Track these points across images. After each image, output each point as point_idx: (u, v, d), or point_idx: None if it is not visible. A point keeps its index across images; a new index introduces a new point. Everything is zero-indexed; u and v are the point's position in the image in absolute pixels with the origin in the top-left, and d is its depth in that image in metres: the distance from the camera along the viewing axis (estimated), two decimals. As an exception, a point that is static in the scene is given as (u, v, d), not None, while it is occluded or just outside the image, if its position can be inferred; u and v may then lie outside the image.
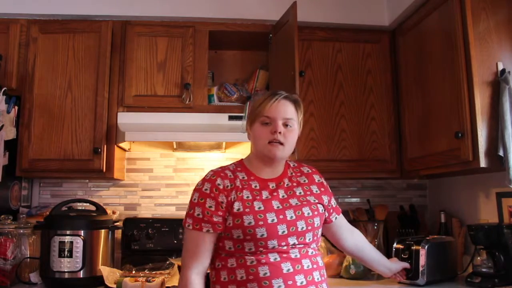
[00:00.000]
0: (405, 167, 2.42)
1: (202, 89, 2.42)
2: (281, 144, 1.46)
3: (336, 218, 1.62)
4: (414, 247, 2.01)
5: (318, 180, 1.60)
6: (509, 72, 1.85)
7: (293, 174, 1.56)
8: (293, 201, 1.46)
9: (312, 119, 2.45)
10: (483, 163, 1.82)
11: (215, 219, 1.40)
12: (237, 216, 1.39)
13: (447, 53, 2.01)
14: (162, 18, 2.45)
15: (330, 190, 1.62)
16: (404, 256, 2.03)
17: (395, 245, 2.12)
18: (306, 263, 1.40)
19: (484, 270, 1.91)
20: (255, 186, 1.47)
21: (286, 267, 1.37)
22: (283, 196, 1.47)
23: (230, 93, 2.49)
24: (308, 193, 1.52)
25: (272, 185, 1.49)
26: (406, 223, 2.56)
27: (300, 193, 1.50)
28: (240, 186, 1.45)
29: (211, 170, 1.51)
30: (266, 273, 1.35)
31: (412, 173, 2.39)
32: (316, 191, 1.55)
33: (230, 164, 1.56)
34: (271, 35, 2.46)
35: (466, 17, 1.89)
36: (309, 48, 2.49)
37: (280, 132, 1.45)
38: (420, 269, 1.96)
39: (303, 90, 2.43)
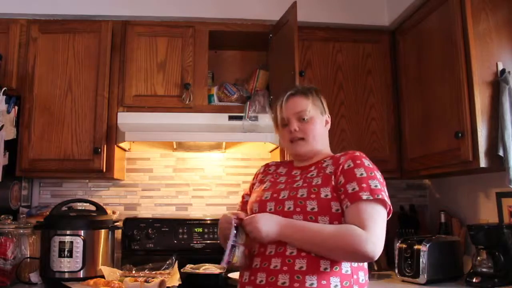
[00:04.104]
0: (405, 167, 2.42)
1: (202, 89, 2.42)
2: (302, 139, 1.47)
3: (346, 207, 1.32)
4: (416, 246, 2.02)
5: (341, 161, 1.40)
6: (509, 72, 1.85)
7: (326, 162, 1.46)
8: (297, 183, 1.42)
9: (312, 119, 2.44)
10: (483, 163, 1.82)
11: (245, 199, 1.61)
12: (253, 193, 1.55)
13: (447, 53, 2.01)
14: (162, 18, 2.45)
15: (363, 174, 1.35)
16: (406, 255, 2.04)
17: (398, 244, 2.13)
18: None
19: (484, 270, 1.91)
20: (280, 172, 1.56)
21: (256, 262, 1.36)
22: (295, 180, 1.46)
23: (230, 93, 2.49)
24: (320, 174, 1.40)
25: (296, 172, 1.52)
26: (406, 223, 2.56)
27: (311, 175, 1.43)
28: (270, 172, 1.60)
29: None
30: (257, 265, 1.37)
31: (412, 173, 2.39)
32: (330, 172, 1.39)
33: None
34: (271, 35, 2.46)
35: (466, 17, 1.89)
36: (309, 48, 2.49)
37: (295, 129, 1.47)
38: (421, 267, 1.96)
39: (303, 90, 2.43)
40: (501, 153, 1.79)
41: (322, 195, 1.34)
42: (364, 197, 1.29)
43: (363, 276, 1.37)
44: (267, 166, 1.66)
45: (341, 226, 1.30)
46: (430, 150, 2.16)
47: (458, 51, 1.92)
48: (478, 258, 1.94)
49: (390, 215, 1.36)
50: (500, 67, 1.88)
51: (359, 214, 1.29)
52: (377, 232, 1.28)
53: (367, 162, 1.41)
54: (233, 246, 1.34)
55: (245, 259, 1.38)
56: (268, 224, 1.31)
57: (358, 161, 1.39)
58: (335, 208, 1.33)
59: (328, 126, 1.57)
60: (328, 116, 1.57)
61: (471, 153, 1.85)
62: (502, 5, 1.93)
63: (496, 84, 1.86)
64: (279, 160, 1.75)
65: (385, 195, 1.33)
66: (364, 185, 1.32)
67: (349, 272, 1.32)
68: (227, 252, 1.34)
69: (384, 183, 1.38)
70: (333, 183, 1.36)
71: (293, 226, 1.31)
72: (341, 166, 1.39)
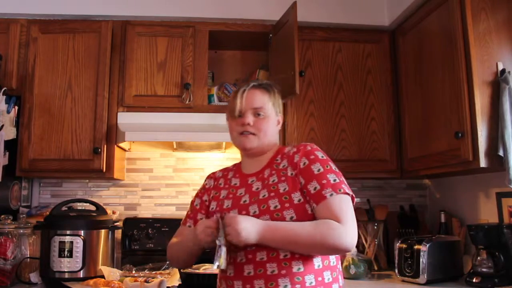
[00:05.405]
0: (405, 167, 2.41)
1: (202, 89, 2.42)
2: (253, 134, 1.44)
3: (313, 208, 1.32)
4: (416, 246, 2.03)
5: (296, 160, 1.39)
6: (509, 72, 1.85)
7: (279, 160, 1.44)
8: (262, 193, 1.37)
9: (312, 119, 2.45)
10: (483, 163, 1.82)
11: (198, 217, 1.50)
12: (211, 214, 1.45)
13: (447, 53, 2.01)
14: (162, 18, 2.45)
15: (321, 169, 1.35)
16: (406, 255, 2.04)
17: (398, 244, 2.13)
18: (271, 267, 1.29)
19: (484, 270, 1.91)
20: (235, 184, 1.48)
21: (248, 269, 1.30)
22: (257, 189, 1.40)
23: (230, 93, 2.49)
24: (283, 179, 1.37)
25: (251, 179, 1.45)
26: (406, 223, 2.56)
27: (273, 180, 1.39)
28: (222, 185, 1.51)
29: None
30: (231, 273, 1.35)
31: (412, 173, 2.39)
32: (291, 174, 1.38)
33: (232, 164, 1.60)
34: (271, 35, 2.46)
35: (466, 17, 1.89)
36: (309, 48, 2.49)
37: (249, 123, 1.43)
38: (421, 267, 1.97)
39: (303, 90, 2.43)
40: (501, 153, 1.79)
41: (296, 201, 1.33)
42: (328, 195, 1.30)
43: (340, 264, 1.42)
44: (215, 178, 1.56)
45: (317, 222, 1.29)
46: (430, 150, 2.16)
47: (458, 51, 1.92)
48: (478, 258, 1.94)
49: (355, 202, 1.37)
50: (500, 67, 1.88)
51: (329, 209, 1.29)
52: (351, 223, 1.30)
53: (320, 154, 1.41)
54: (219, 246, 1.27)
55: (227, 262, 1.30)
56: (249, 228, 1.25)
57: (312, 156, 1.38)
58: (310, 209, 1.33)
59: (279, 126, 1.53)
60: (281, 117, 1.54)
61: (471, 153, 1.85)
62: (502, 5, 1.93)
63: (496, 84, 1.86)
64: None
65: (345, 187, 1.34)
66: (324, 181, 1.32)
67: (335, 264, 1.37)
68: (221, 253, 1.25)
69: (339, 172, 1.39)
70: (299, 185, 1.35)
71: (272, 229, 1.28)
72: (298, 166, 1.38)
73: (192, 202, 1.58)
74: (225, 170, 1.58)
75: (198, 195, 1.57)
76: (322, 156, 1.40)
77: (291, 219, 1.30)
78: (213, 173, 1.61)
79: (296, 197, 1.33)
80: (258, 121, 1.44)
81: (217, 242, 1.27)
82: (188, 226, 1.52)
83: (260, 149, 1.46)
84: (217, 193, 1.50)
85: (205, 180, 1.59)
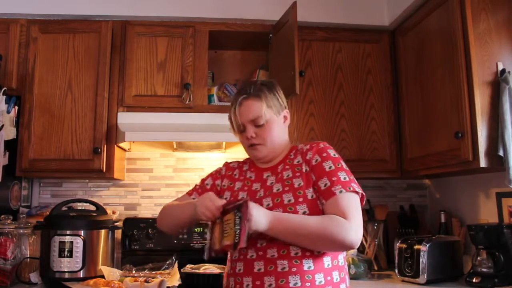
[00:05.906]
0: (405, 167, 2.42)
1: (202, 89, 2.42)
2: (260, 144, 1.45)
3: (323, 204, 1.35)
4: (416, 246, 2.03)
5: (309, 157, 1.42)
6: (509, 72, 1.85)
7: (293, 156, 1.47)
8: (276, 187, 1.40)
9: (312, 119, 2.45)
10: (483, 163, 1.82)
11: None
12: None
13: (447, 53, 2.01)
14: (162, 18, 2.45)
15: (332, 167, 1.38)
16: (406, 255, 2.04)
17: (398, 244, 2.13)
18: (281, 264, 1.30)
19: (484, 270, 1.91)
20: (250, 177, 1.50)
21: (258, 266, 1.32)
22: (271, 183, 1.43)
23: (230, 93, 2.49)
24: (298, 174, 1.40)
25: (267, 174, 1.47)
26: (406, 223, 2.56)
27: (288, 175, 1.41)
28: (237, 177, 1.52)
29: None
30: (240, 269, 1.35)
31: (412, 173, 2.39)
32: (305, 170, 1.40)
33: (245, 158, 1.62)
34: (271, 35, 2.46)
35: (466, 17, 1.89)
36: (309, 48, 2.49)
37: (252, 136, 1.44)
38: (421, 267, 1.97)
39: (303, 90, 2.43)
40: (501, 153, 1.79)
41: (309, 197, 1.35)
42: (337, 192, 1.33)
43: (346, 265, 1.44)
44: (228, 168, 1.59)
45: (324, 216, 1.31)
46: (430, 150, 2.16)
47: (458, 51, 1.92)
48: (478, 258, 1.94)
49: (364, 201, 1.39)
50: (500, 67, 1.88)
51: (337, 206, 1.31)
52: (357, 220, 1.31)
53: (332, 152, 1.43)
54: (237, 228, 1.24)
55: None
56: (260, 215, 1.26)
57: (324, 154, 1.41)
58: (321, 206, 1.36)
59: (287, 122, 1.52)
60: (287, 111, 1.52)
61: (471, 153, 1.85)
62: (502, 5, 1.93)
63: (496, 84, 1.86)
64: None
65: (355, 185, 1.36)
66: (334, 178, 1.35)
67: (343, 264, 1.39)
68: (240, 233, 1.22)
69: (350, 170, 1.41)
70: (312, 181, 1.38)
71: (281, 220, 1.29)
72: (310, 163, 1.40)
73: (204, 180, 1.60)
74: (240, 163, 1.60)
75: (212, 176, 1.59)
76: (334, 154, 1.42)
77: (304, 214, 1.32)
78: (228, 162, 1.63)
79: (310, 192, 1.36)
80: (259, 131, 1.45)
81: (244, 222, 1.23)
82: (193, 198, 1.53)
83: (272, 155, 1.48)
84: (232, 183, 1.52)
85: (222, 166, 1.62)
